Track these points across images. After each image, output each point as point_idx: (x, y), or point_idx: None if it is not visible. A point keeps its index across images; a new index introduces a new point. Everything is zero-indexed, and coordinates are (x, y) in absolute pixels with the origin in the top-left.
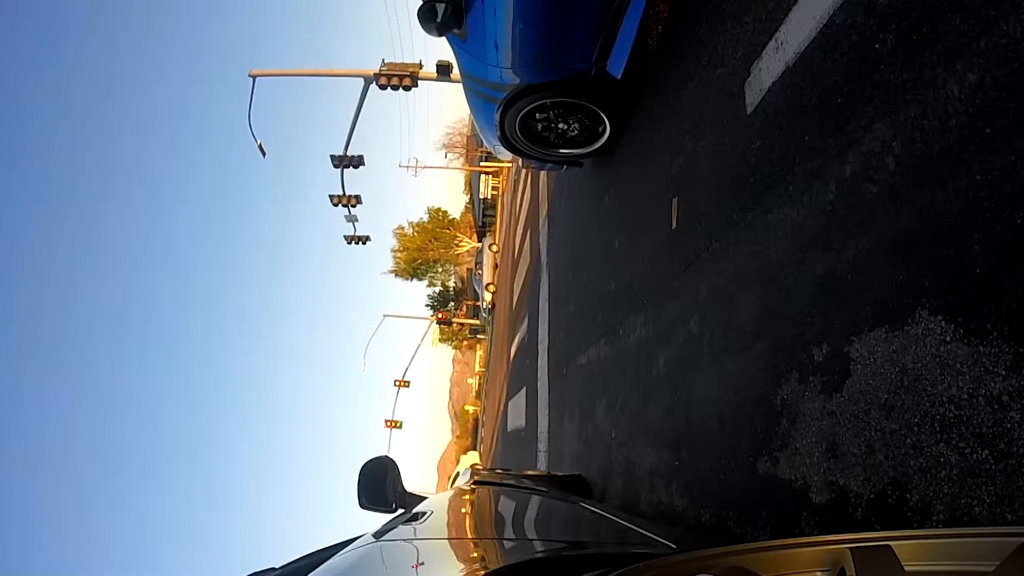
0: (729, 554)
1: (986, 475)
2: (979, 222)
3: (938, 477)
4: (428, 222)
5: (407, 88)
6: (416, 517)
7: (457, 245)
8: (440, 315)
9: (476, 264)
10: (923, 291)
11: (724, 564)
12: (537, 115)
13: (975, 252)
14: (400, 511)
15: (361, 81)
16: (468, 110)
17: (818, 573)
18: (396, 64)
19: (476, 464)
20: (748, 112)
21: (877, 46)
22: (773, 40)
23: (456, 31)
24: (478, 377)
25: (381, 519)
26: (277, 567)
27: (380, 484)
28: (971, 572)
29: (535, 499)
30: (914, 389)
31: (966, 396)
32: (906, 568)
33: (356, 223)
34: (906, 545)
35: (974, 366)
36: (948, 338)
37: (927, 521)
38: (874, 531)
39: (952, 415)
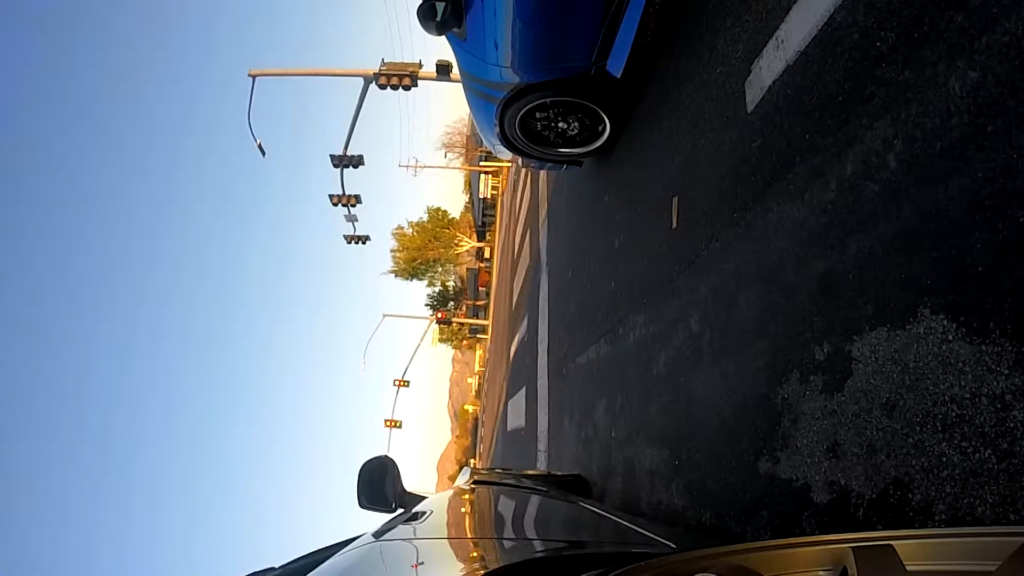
0: (729, 554)
1: (988, 474)
2: (981, 220)
3: (940, 477)
4: (428, 222)
5: (407, 88)
6: (416, 517)
7: (457, 245)
8: (440, 315)
9: None
10: (925, 290)
11: (724, 564)
12: (537, 114)
13: (977, 250)
14: (400, 511)
15: (361, 81)
16: (468, 110)
17: (820, 573)
18: (396, 64)
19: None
20: (749, 111)
21: (878, 44)
22: (774, 38)
23: (456, 30)
24: (478, 377)
25: (381, 519)
26: (277, 567)
27: (380, 484)
28: (973, 572)
29: (535, 499)
30: (916, 388)
31: (968, 395)
32: (908, 567)
33: (356, 223)
34: (908, 545)
35: (976, 365)
36: (950, 337)
37: (929, 521)
38: (876, 531)
39: (954, 414)
